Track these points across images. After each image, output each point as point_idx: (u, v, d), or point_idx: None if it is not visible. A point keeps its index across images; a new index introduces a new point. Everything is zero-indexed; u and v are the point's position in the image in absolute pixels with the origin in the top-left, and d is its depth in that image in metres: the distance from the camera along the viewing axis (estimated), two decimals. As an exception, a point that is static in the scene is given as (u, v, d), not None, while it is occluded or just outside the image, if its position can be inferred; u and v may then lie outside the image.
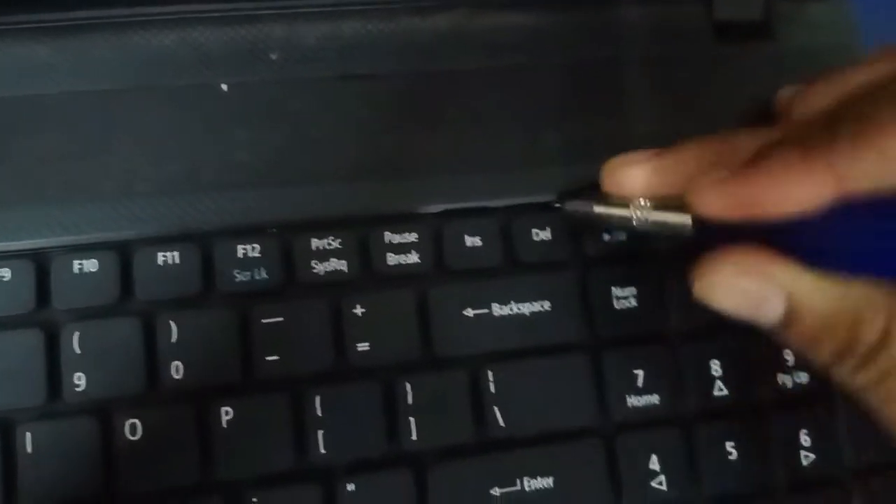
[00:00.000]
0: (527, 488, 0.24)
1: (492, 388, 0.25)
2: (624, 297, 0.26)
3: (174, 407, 0.23)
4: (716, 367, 0.26)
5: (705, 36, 0.29)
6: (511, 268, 0.26)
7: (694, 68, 0.29)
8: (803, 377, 0.26)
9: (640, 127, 0.28)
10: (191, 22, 0.27)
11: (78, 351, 0.23)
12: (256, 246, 0.24)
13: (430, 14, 0.28)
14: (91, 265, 0.24)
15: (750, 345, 0.26)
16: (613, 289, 0.26)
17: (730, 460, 0.25)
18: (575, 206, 0.25)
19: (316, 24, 0.27)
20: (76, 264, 0.24)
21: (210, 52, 0.27)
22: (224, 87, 0.26)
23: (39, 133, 0.25)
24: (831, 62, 0.29)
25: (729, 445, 0.25)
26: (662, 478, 0.25)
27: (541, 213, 0.26)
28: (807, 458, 0.26)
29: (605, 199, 0.24)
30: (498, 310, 0.25)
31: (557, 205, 0.26)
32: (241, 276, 0.24)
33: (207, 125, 0.26)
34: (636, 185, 0.23)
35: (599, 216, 0.24)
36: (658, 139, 0.27)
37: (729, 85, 0.29)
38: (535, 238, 0.26)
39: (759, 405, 0.26)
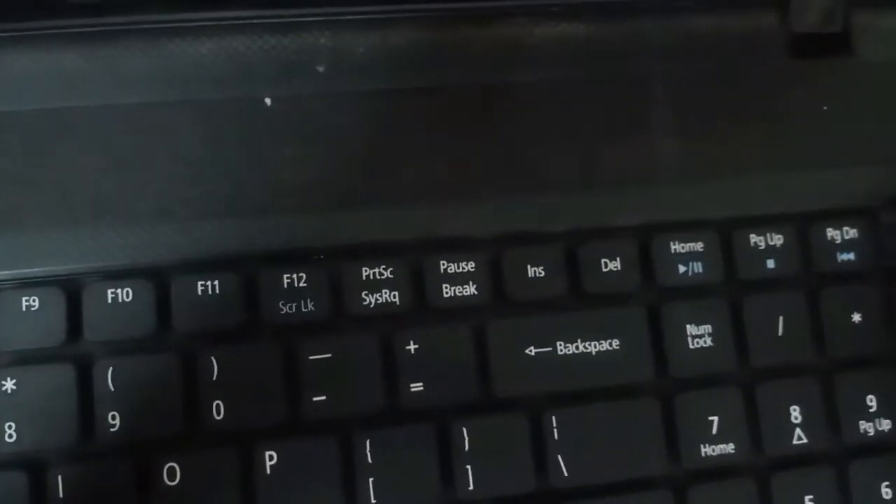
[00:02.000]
0: (592, 543, 0.22)
1: (555, 433, 0.23)
2: (699, 335, 0.24)
3: (215, 450, 0.21)
4: (796, 414, 0.24)
5: (780, 49, 0.27)
6: (577, 301, 0.24)
7: (768, 83, 0.27)
8: (886, 424, 0.24)
9: (711, 146, 0.26)
10: (231, 30, 0.25)
11: (112, 388, 0.21)
12: (303, 275, 0.22)
13: (486, 24, 0.26)
14: (125, 294, 0.22)
15: (833, 389, 0.24)
16: (688, 326, 0.24)
17: (809, 513, 0.24)
18: None
19: (365, 34, 0.25)
20: (110, 293, 0.22)
21: (253, 63, 0.25)
22: (268, 101, 0.24)
23: (69, 149, 0.23)
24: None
25: (808, 499, 0.24)
26: (737, 532, 0.23)
27: (610, 239, 0.24)
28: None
29: None
30: (562, 348, 0.23)
31: None
32: (286, 309, 0.22)
33: (250, 142, 0.24)
34: None
35: None
36: (728, 158, 0.25)
37: (806, 101, 0.27)
38: (604, 269, 0.24)
39: (842, 452, 0.24)
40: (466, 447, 0.22)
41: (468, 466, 0.22)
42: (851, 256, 0.25)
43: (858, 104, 0.27)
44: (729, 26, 0.27)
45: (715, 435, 0.23)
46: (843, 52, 0.28)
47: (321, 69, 0.25)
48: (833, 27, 0.28)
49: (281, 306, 0.22)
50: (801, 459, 0.24)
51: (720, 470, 0.23)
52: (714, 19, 0.27)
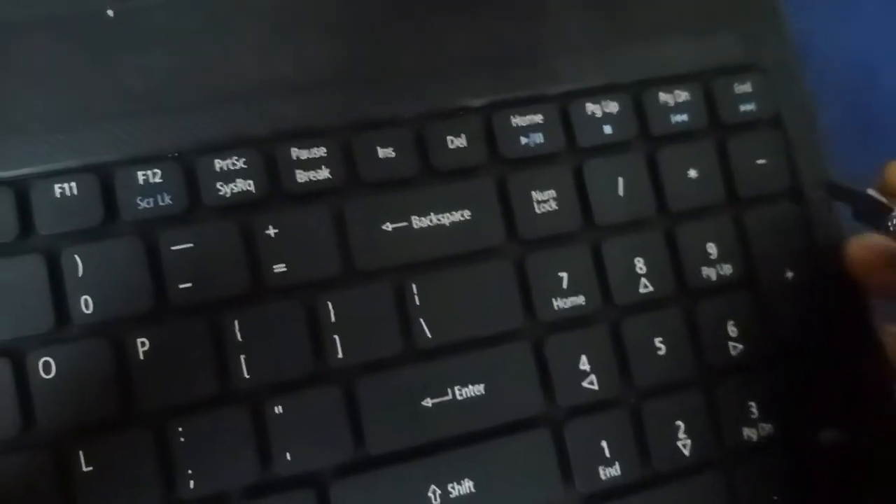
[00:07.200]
0: (458, 397, 0.24)
1: (416, 299, 0.24)
2: (544, 200, 0.25)
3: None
4: (640, 265, 0.26)
5: None
6: (427, 178, 0.25)
7: None
8: (727, 269, 0.27)
9: (544, 27, 0.27)
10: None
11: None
12: (157, 171, 0.23)
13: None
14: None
15: (673, 243, 0.26)
16: (533, 193, 0.25)
17: (659, 355, 0.26)
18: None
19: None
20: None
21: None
22: (110, 12, 0.25)
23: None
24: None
25: (658, 340, 0.26)
26: (593, 377, 0.25)
27: (454, 119, 0.25)
28: (734, 347, 0.26)
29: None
30: (417, 222, 0.25)
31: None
32: (144, 203, 0.23)
33: (97, 53, 0.24)
34: None
35: (869, 197, 0.24)
36: (560, 38, 0.27)
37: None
38: (451, 146, 0.25)
39: (686, 295, 0.26)
40: (333, 319, 0.24)
41: (336, 337, 0.24)
42: (684, 118, 0.27)
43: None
44: None
45: (566, 289, 0.25)
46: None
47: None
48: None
49: (138, 201, 0.23)
50: (648, 306, 0.26)
51: (573, 320, 0.25)
52: None
